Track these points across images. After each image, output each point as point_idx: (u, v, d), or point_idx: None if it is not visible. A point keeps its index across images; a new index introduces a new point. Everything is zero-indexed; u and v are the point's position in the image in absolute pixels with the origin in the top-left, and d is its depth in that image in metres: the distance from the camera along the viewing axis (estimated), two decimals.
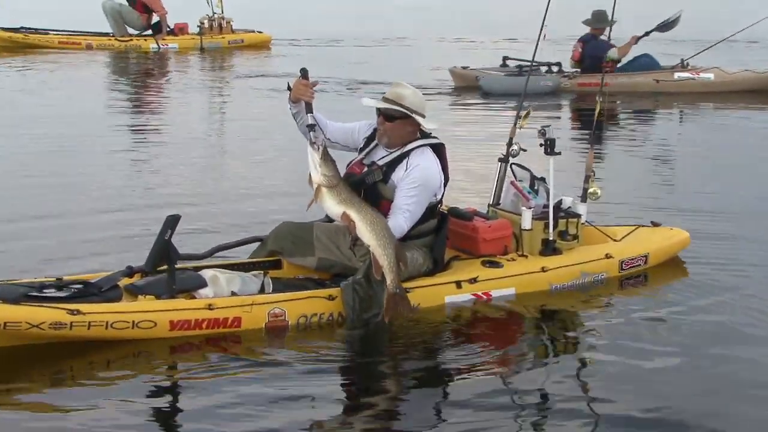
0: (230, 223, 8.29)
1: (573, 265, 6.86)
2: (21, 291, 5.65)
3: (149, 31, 23.94)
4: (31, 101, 16.20)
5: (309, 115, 6.12)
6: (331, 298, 6.07)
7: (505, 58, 17.13)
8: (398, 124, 6.24)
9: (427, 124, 6.32)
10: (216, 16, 24.42)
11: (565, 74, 16.86)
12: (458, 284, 6.44)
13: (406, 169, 6.20)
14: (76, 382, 5.44)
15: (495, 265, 6.66)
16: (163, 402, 5.27)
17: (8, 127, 13.51)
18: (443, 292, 6.40)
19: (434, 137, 6.43)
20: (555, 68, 16.98)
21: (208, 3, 24.05)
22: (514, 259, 6.78)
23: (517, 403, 5.25)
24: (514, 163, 7.33)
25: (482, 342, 6.03)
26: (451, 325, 6.23)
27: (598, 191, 7.09)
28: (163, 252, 5.87)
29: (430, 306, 6.31)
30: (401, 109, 6.19)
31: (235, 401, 5.14)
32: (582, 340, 6.16)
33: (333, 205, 5.83)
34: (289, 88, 6.22)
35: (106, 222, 8.55)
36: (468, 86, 16.81)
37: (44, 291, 5.71)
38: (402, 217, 6.16)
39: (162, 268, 6.00)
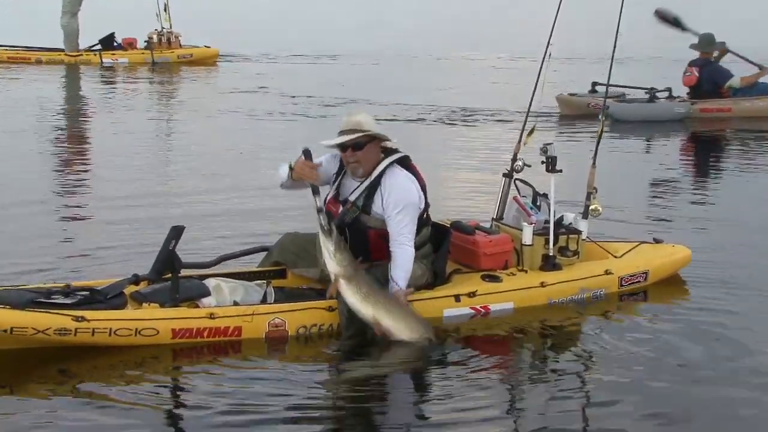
0: (236, 233, 8.49)
1: (572, 280, 6.94)
2: (29, 297, 5.82)
3: (98, 46, 24.25)
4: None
5: (316, 197, 6.17)
6: (330, 309, 6.19)
7: (594, 84, 16.62)
8: (368, 149, 6.29)
9: (391, 139, 6.41)
10: (165, 30, 24.66)
11: (682, 99, 16.54)
12: (457, 298, 6.54)
13: (383, 196, 6.28)
14: (79, 384, 5.57)
15: (494, 279, 6.76)
16: (161, 405, 5.38)
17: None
18: (442, 306, 6.50)
19: (396, 150, 6.46)
20: (664, 93, 16.55)
21: (157, 17, 24.33)
22: (513, 274, 6.87)
23: (512, 418, 5.35)
24: (518, 179, 7.43)
25: (477, 356, 6.10)
26: (448, 338, 6.31)
27: (600, 208, 7.16)
28: (167, 261, 6.04)
29: (429, 319, 6.38)
30: (367, 134, 6.24)
31: (231, 409, 5.25)
32: (577, 356, 6.23)
33: (357, 303, 5.99)
34: (290, 167, 6.33)
35: (113, 230, 8.83)
36: (578, 114, 16.21)
37: (52, 297, 5.87)
38: (406, 244, 6.26)
39: (167, 276, 6.16)
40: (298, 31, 33.81)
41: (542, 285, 6.82)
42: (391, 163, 6.37)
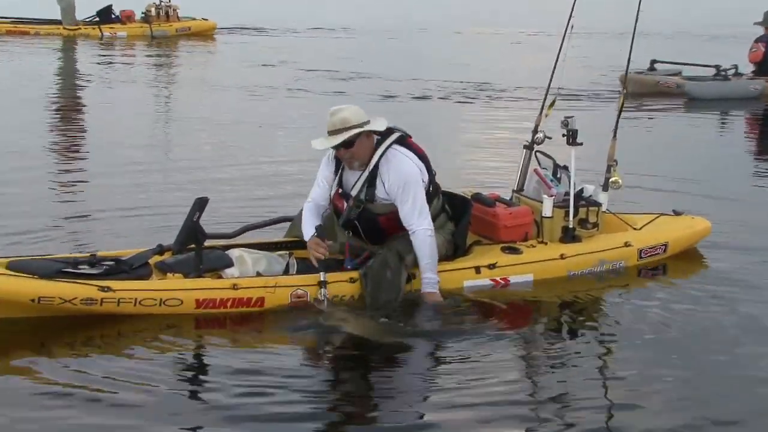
0: (260, 203, 8.60)
1: (592, 252, 6.99)
2: (56, 267, 5.93)
3: (96, 19, 24.30)
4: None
5: (322, 273, 6.16)
6: (352, 280, 6.27)
7: (653, 62, 16.70)
8: (359, 142, 6.27)
9: (380, 126, 6.38)
10: (163, 3, 24.71)
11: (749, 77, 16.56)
12: (477, 269, 6.61)
13: (384, 182, 6.32)
14: (104, 350, 5.66)
15: (514, 251, 6.81)
16: (182, 374, 5.46)
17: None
18: (462, 277, 6.57)
19: (391, 131, 6.46)
20: (731, 71, 16.57)
21: None
22: (533, 246, 6.92)
23: (530, 390, 5.39)
24: (538, 151, 7.46)
25: (496, 327, 6.15)
26: (468, 309, 6.37)
27: (620, 180, 7.20)
28: (191, 233, 6.12)
29: (449, 290, 6.47)
30: (355, 131, 6.22)
31: (254, 376, 5.34)
32: (596, 329, 6.27)
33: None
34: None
35: (139, 200, 8.97)
36: (645, 93, 16.25)
37: (78, 267, 5.97)
38: (421, 225, 6.30)
39: (191, 247, 6.24)
40: (310, 4, 33.78)
41: (562, 257, 6.87)
42: (387, 148, 6.37)
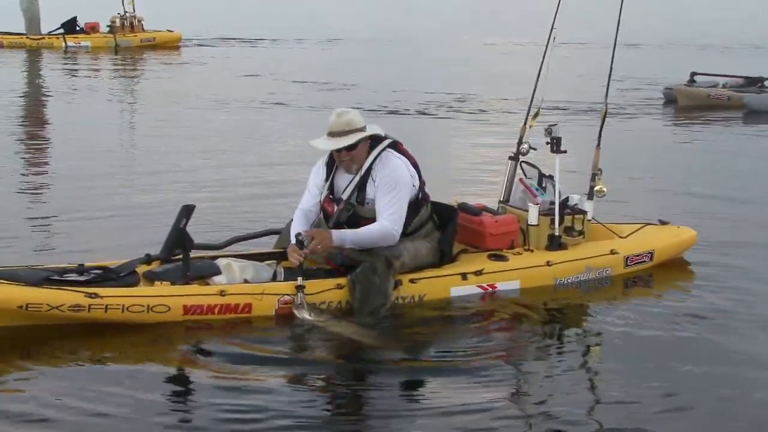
0: (249, 216, 8.63)
1: (578, 259, 7.02)
2: (43, 275, 5.95)
3: (61, 30, 24.56)
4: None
5: (299, 278, 6.20)
6: (339, 287, 6.29)
7: (693, 74, 16.81)
8: (361, 146, 6.39)
9: (379, 132, 6.48)
10: (128, 14, 25.05)
11: None
12: (464, 276, 6.63)
13: (374, 181, 6.38)
14: (94, 361, 5.66)
15: (501, 258, 6.84)
16: (169, 386, 5.47)
17: None
18: (449, 284, 6.59)
19: (383, 137, 6.53)
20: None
21: (122, 2, 24.93)
22: (520, 253, 6.96)
23: (516, 394, 5.40)
24: (524, 161, 7.52)
25: (484, 332, 6.20)
26: (455, 315, 6.40)
27: (605, 189, 7.23)
28: (178, 240, 6.15)
29: (436, 297, 6.51)
30: (361, 135, 6.34)
31: (242, 384, 5.36)
32: (582, 334, 6.32)
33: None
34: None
35: (127, 212, 9.03)
36: (698, 105, 16.35)
37: (65, 275, 6.00)
38: (385, 220, 6.35)
39: (178, 256, 6.26)
40: (306, 13, 33.95)
41: (548, 264, 6.91)
42: (382, 151, 6.45)
